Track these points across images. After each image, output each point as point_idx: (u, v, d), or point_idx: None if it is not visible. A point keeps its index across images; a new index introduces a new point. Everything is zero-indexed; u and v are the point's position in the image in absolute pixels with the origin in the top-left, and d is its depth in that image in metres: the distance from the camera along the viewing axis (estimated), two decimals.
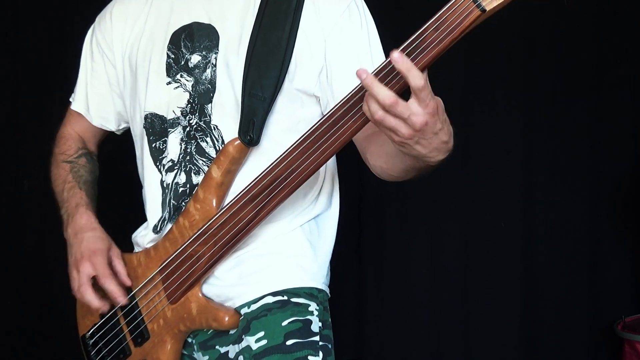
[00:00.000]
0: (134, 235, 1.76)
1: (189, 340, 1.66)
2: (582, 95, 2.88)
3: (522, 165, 2.91)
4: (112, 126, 1.84)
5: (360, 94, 1.33)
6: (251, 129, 1.53)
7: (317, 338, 1.56)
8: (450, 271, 2.92)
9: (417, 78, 1.20)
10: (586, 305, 2.91)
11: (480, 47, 2.72)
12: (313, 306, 1.59)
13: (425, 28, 1.27)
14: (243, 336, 1.56)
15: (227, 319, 1.57)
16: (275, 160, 1.47)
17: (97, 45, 1.77)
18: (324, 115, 1.38)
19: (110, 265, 1.63)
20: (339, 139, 1.38)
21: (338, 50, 1.57)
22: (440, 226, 2.93)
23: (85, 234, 1.66)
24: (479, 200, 2.91)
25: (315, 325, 1.57)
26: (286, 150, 1.45)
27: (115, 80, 1.75)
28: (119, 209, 2.21)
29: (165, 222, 1.66)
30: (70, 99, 1.85)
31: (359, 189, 2.91)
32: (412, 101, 1.22)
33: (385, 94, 1.22)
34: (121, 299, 1.60)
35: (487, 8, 1.27)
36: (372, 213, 2.95)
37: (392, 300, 2.95)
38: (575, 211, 2.90)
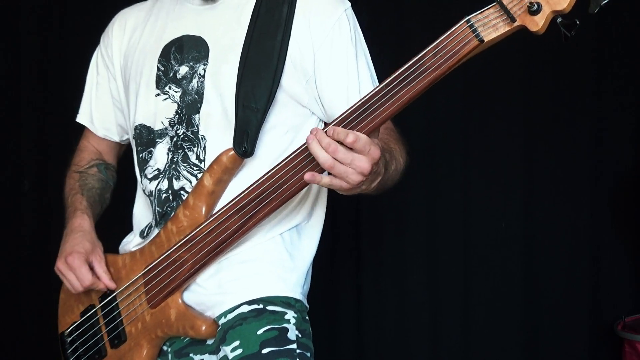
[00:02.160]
0: (121, 246, 1.77)
1: (165, 348, 1.66)
2: (584, 96, 2.85)
3: (522, 165, 2.88)
4: (115, 137, 1.87)
5: (354, 115, 1.39)
6: (245, 141, 1.54)
7: (294, 346, 1.55)
8: (450, 271, 2.89)
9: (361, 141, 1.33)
10: (586, 305, 2.88)
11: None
12: (290, 314, 1.58)
13: (424, 53, 1.38)
14: (220, 346, 1.56)
15: (204, 328, 1.57)
16: (267, 173, 1.48)
17: (102, 59, 1.81)
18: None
19: (92, 268, 1.65)
20: None
21: (328, 62, 1.58)
22: (440, 227, 2.91)
23: (72, 235, 1.70)
24: (479, 201, 2.88)
25: (292, 334, 1.56)
26: (278, 164, 1.47)
27: (117, 93, 1.79)
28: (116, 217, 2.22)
29: (152, 227, 1.67)
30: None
31: None
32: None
33: (326, 141, 1.34)
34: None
35: (485, 39, 1.37)
36: (370, 214, 2.93)
37: (391, 301, 2.94)
38: (576, 211, 2.87)
